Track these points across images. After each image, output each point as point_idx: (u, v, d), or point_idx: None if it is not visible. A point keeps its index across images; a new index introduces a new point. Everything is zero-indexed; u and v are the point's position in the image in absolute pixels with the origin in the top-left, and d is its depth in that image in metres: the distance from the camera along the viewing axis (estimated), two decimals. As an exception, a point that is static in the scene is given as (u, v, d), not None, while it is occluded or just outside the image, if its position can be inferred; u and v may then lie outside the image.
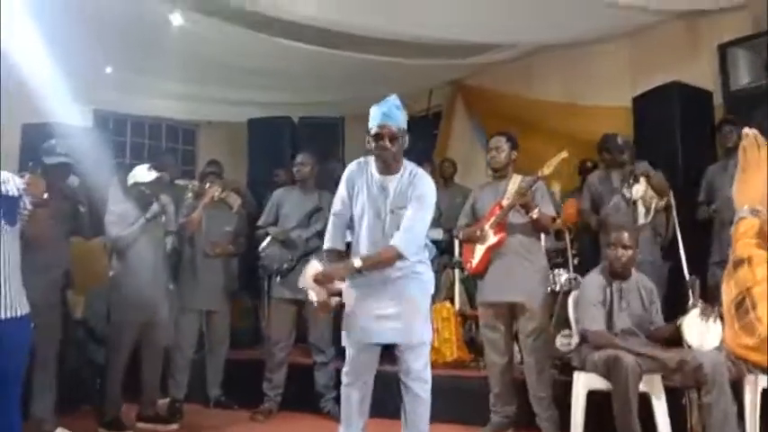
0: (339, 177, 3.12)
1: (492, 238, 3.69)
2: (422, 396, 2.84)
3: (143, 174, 4.03)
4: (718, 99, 5.08)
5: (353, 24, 5.44)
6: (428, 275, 2.99)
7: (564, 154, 3.72)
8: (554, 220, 3.81)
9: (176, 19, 5.07)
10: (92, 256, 4.48)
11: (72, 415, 3.93)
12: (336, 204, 3.02)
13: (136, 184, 4.01)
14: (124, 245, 3.89)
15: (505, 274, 3.67)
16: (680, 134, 4.95)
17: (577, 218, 4.92)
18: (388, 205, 2.88)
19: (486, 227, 3.71)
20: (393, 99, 2.88)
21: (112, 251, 4.00)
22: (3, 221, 2.56)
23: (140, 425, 3.97)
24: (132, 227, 3.90)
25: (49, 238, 3.20)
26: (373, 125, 2.84)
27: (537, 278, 3.70)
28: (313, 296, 2.79)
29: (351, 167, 3.03)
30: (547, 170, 3.70)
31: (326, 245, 3.02)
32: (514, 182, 3.72)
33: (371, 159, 2.95)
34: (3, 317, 2.45)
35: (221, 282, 4.52)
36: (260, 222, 4.51)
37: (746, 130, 1.10)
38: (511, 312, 3.73)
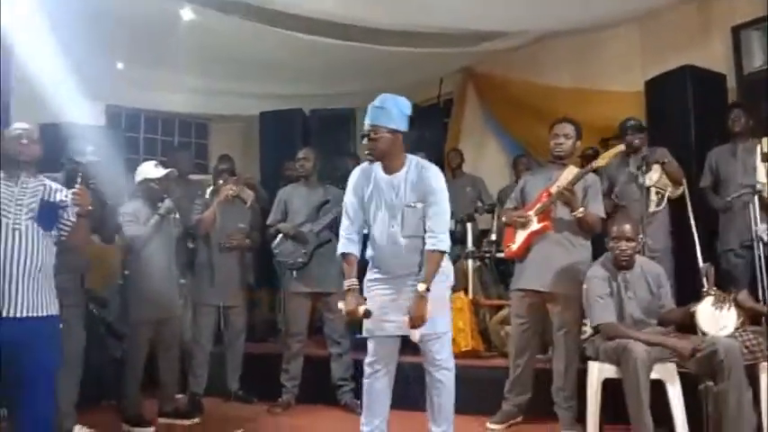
0: (348, 172, 3.20)
1: (535, 225, 3.66)
2: (446, 384, 2.97)
3: (151, 170, 4.04)
4: (731, 82, 5.02)
5: (363, 15, 5.44)
6: (448, 267, 3.08)
7: (621, 147, 3.66)
8: (603, 220, 3.68)
9: (187, 14, 5.10)
10: (105, 255, 4.53)
11: (93, 411, 4.01)
12: (348, 209, 3.11)
13: (145, 181, 4.03)
14: (141, 244, 3.92)
15: (544, 262, 3.64)
16: (693, 118, 4.89)
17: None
18: (401, 201, 2.98)
19: (531, 212, 3.69)
20: (379, 98, 2.98)
21: (127, 250, 4.03)
22: (37, 224, 2.67)
23: (161, 420, 4.03)
24: (147, 225, 3.93)
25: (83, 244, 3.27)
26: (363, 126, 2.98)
27: (577, 270, 3.61)
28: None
29: (355, 173, 3.14)
30: (601, 162, 3.67)
31: (342, 250, 3.12)
32: (569, 172, 3.66)
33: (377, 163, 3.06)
34: (34, 314, 2.63)
35: (237, 277, 4.56)
36: (269, 221, 4.53)
37: None
38: (543, 302, 3.70)
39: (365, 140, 2.96)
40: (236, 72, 6.44)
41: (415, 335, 2.88)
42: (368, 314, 2.90)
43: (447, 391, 2.99)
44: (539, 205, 3.67)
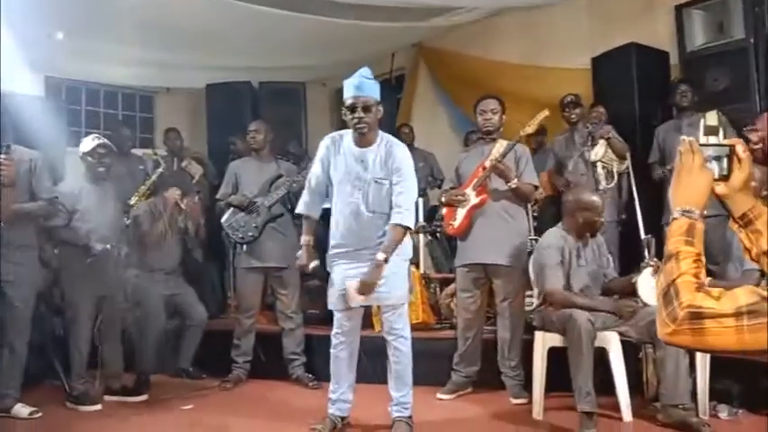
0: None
1: (474, 199, 3.73)
2: (404, 351, 3.12)
3: (85, 143, 3.94)
4: (674, 59, 5.14)
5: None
6: (407, 241, 3.16)
7: (546, 112, 3.74)
8: (536, 188, 3.81)
9: (129, -18, 4.91)
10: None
11: (35, 390, 3.91)
12: (312, 179, 3.17)
13: (83, 155, 3.92)
14: (59, 237, 3.83)
15: (486, 236, 3.72)
16: (637, 94, 5.02)
17: (552, 190, 4.94)
18: (368, 176, 3.03)
19: (469, 189, 3.75)
20: (364, 71, 3.01)
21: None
22: None
23: (108, 398, 3.94)
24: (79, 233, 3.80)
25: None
26: (347, 97, 2.98)
27: (517, 241, 3.75)
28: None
29: (325, 143, 3.16)
30: (529, 129, 3.73)
31: (302, 210, 3.20)
32: (500, 145, 3.73)
33: (346, 132, 3.11)
34: None
35: (177, 268, 4.51)
36: (219, 195, 4.45)
37: (684, 137, 1.19)
38: (487, 275, 3.79)
39: (356, 113, 2.94)
40: (182, 43, 6.23)
41: (357, 299, 2.97)
42: (317, 269, 3.11)
43: (405, 358, 3.12)
44: (475, 180, 3.74)
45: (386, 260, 2.91)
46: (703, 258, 1.11)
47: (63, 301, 4.04)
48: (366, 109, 2.95)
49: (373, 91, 3.00)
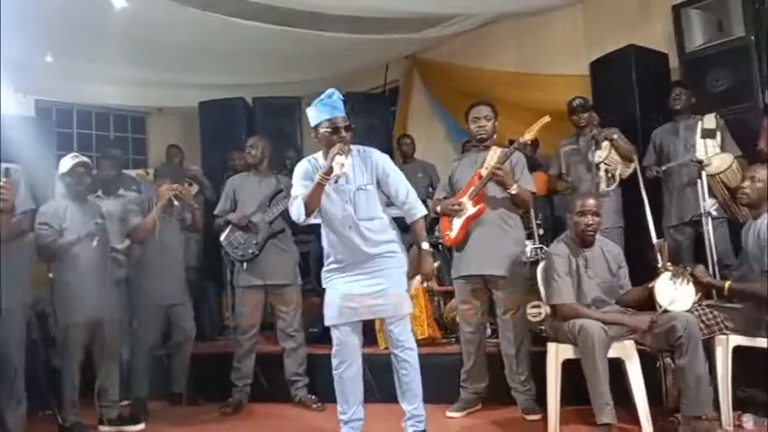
0: (294, 162, 3.30)
1: (470, 209, 3.62)
2: (411, 362, 3.09)
3: (64, 163, 3.85)
4: (674, 61, 5.07)
5: (303, 0, 5.27)
6: (402, 254, 3.18)
7: (546, 119, 3.65)
8: (533, 194, 3.71)
9: (118, 1, 4.82)
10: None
11: (29, 422, 3.74)
12: (297, 191, 3.13)
13: (62, 176, 3.83)
14: (49, 255, 3.69)
15: (484, 246, 3.61)
16: (637, 97, 4.94)
17: (545, 190, 4.89)
18: (352, 186, 3.07)
19: (464, 198, 3.64)
20: (335, 92, 3.06)
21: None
22: None
23: (103, 429, 3.80)
24: (63, 242, 3.69)
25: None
26: (324, 118, 3.02)
27: (515, 251, 3.65)
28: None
29: (304, 166, 3.16)
30: (528, 135, 3.63)
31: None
32: (494, 153, 3.64)
33: (318, 155, 3.15)
34: None
35: (180, 276, 4.36)
36: (216, 211, 4.33)
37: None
38: (486, 286, 3.67)
39: (343, 133, 3.00)
40: (174, 62, 6.17)
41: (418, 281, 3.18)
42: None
43: (413, 370, 3.09)
44: (471, 189, 3.63)
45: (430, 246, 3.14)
46: None
47: (56, 328, 3.89)
48: (347, 128, 3.03)
49: (343, 110, 3.08)
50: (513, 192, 3.54)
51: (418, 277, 3.07)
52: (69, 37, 5.37)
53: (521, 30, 6.31)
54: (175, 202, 4.22)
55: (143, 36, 5.39)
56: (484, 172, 3.59)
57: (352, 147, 3.11)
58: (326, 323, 3.13)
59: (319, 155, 3.13)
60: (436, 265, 3.25)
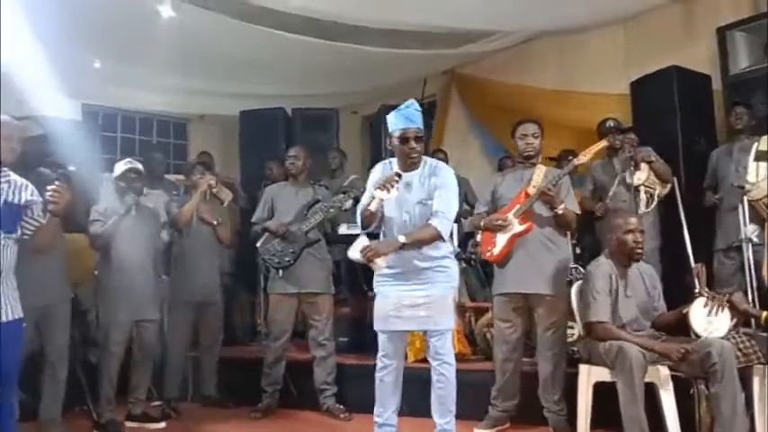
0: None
1: (517, 227, 3.60)
2: (448, 377, 3.11)
3: (117, 168, 3.98)
4: (716, 83, 5.00)
5: (345, 14, 5.36)
6: (454, 269, 3.21)
7: (604, 143, 3.65)
8: (577, 215, 3.68)
9: (166, 10, 4.96)
10: (81, 253, 4.38)
11: (65, 416, 3.85)
12: (365, 200, 3.20)
13: (114, 180, 3.96)
14: (103, 242, 3.80)
15: (528, 264, 3.58)
16: (679, 119, 4.87)
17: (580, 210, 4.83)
18: (413, 198, 3.12)
19: (510, 215, 3.63)
20: (413, 103, 3.15)
21: (97, 248, 3.89)
22: (2, 232, 2.58)
23: (128, 424, 3.89)
24: (108, 223, 3.81)
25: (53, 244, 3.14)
26: (398, 128, 3.10)
27: (560, 270, 3.61)
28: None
29: (377, 169, 3.25)
30: (583, 158, 3.61)
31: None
32: (540, 171, 3.62)
33: (394, 160, 3.20)
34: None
35: (214, 275, 4.45)
36: (254, 219, 4.40)
37: None
38: (527, 304, 3.65)
39: (413, 144, 3.07)
40: (217, 71, 6.32)
41: (356, 255, 2.97)
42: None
43: (449, 384, 3.11)
44: (518, 206, 3.61)
45: (403, 245, 2.97)
46: None
47: (97, 326, 4.01)
48: (418, 139, 3.09)
49: (420, 122, 3.13)
50: (561, 212, 3.53)
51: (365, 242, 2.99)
52: (117, 44, 5.54)
53: (561, 47, 6.28)
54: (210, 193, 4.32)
55: (188, 45, 5.53)
56: (531, 190, 3.57)
57: (426, 158, 3.19)
58: (375, 328, 3.20)
59: (395, 160, 3.18)
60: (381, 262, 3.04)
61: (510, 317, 3.68)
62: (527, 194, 3.59)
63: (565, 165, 4.07)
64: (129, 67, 6.06)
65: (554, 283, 3.55)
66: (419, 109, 3.13)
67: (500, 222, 3.64)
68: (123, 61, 5.93)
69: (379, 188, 2.94)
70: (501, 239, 3.65)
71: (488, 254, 3.73)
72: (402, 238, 2.99)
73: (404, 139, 3.08)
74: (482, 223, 3.77)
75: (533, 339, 3.77)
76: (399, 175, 2.99)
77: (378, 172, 3.20)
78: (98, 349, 4.00)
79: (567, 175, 3.72)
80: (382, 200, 2.96)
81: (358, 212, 3.17)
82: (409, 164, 3.12)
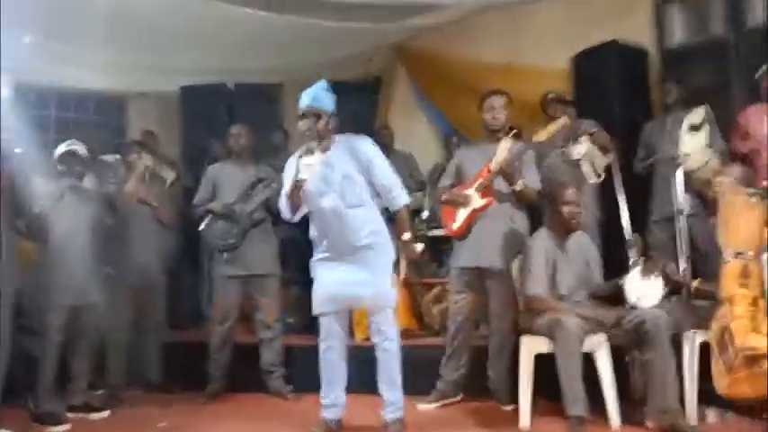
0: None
1: (478, 201, 3.62)
2: (392, 351, 3.18)
3: (57, 150, 3.88)
4: (653, 56, 5.09)
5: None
6: (390, 244, 3.25)
7: (564, 120, 3.65)
8: (538, 192, 3.70)
9: (100, -19, 4.75)
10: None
11: (2, 409, 3.73)
12: (287, 189, 3.19)
13: (54, 162, 3.84)
14: (37, 226, 3.66)
15: (485, 239, 3.62)
16: (618, 92, 4.96)
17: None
18: (338, 175, 3.13)
19: (472, 190, 3.63)
20: (321, 83, 3.18)
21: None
22: None
23: (69, 415, 3.78)
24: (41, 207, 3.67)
25: None
26: (301, 108, 3.13)
27: (515, 245, 3.64)
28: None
29: (291, 160, 3.23)
30: (543, 136, 3.63)
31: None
32: (505, 145, 3.60)
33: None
34: None
35: (154, 258, 4.37)
36: (195, 201, 4.32)
37: (720, 178, 1.10)
38: (482, 278, 3.68)
39: (309, 122, 3.10)
40: (155, 45, 6.06)
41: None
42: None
43: (393, 359, 3.18)
44: (480, 181, 3.62)
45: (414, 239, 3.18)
46: (762, 302, 1.03)
47: (35, 313, 3.86)
48: (318, 118, 3.09)
49: (327, 103, 3.15)
50: (519, 188, 3.55)
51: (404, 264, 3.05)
52: (49, 19, 5.27)
53: (506, 20, 6.25)
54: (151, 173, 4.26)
55: (125, 19, 5.30)
56: (494, 165, 3.58)
57: (336, 136, 3.19)
58: (314, 312, 3.23)
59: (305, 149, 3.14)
60: (420, 247, 3.23)
61: (464, 289, 3.73)
62: (489, 170, 3.59)
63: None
64: (62, 42, 5.77)
65: (509, 258, 3.60)
66: (327, 89, 3.15)
67: (461, 197, 3.63)
68: (56, 37, 5.65)
69: (301, 156, 2.98)
70: (462, 214, 3.68)
71: (449, 228, 3.75)
72: (406, 236, 3.16)
73: (303, 117, 3.11)
74: (444, 197, 3.77)
75: (483, 314, 3.82)
76: (312, 151, 3.03)
77: (292, 167, 3.17)
78: (35, 337, 3.87)
79: (531, 151, 3.73)
80: (311, 164, 2.98)
81: (282, 201, 3.18)
82: (316, 144, 3.10)
